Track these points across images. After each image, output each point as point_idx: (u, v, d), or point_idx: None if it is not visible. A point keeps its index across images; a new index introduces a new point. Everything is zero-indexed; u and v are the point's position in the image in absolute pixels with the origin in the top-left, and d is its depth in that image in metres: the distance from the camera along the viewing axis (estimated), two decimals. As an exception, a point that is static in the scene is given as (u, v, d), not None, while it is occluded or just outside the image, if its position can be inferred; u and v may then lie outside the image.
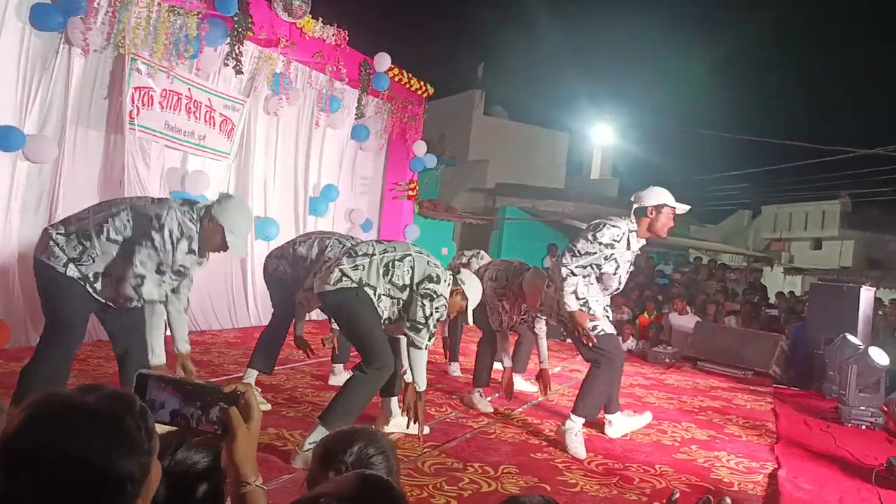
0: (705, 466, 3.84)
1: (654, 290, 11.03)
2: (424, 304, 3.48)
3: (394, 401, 3.89)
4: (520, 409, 4.72)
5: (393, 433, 3.78)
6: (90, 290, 3.01)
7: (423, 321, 3.48)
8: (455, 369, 5.86)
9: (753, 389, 6.55)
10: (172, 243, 3.01)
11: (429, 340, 3.56)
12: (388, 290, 3.49)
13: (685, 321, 8.75)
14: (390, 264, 3.50)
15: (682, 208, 3.96)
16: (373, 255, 3.52)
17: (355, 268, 3.46)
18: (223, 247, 3.15)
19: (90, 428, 0.90)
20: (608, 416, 4.29)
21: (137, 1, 5.47)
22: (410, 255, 3.57)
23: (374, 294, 3.46)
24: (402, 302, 3.54)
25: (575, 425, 3.89)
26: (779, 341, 7.40)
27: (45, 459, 0.86)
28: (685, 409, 5.35)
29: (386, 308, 3.52)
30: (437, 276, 3.54)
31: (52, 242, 3.00)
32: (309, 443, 3.19)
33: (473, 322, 4.31)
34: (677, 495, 1.40)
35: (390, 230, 9.46)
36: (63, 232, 3.03)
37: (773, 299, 11.35)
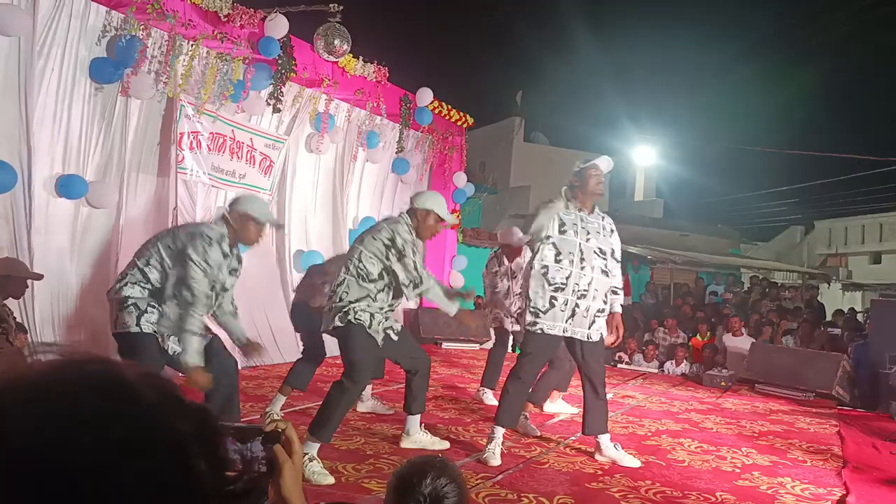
0: (769, 494, 3.71)
1: (706, 311, 10.80)
2: (404, 261, 3.73)
3: (415, 419, 4.11)
4: (572, 438, 4.65)
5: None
6: None
7: (414, 273, 3.74)
8: (489, 397, 5.64)
9: (816, 412, 6.31)
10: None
11: (427, 281, 3.78)
12: (371, 289, 3.74)
13: (740, 342, 8.51)
14: (360, 270, 3.75)
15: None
16: (345, 278, 3.77)
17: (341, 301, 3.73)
18: (258, 236, 3.50)
19: None
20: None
21: (188, 50, 5.72)
22: (361, 248, 3.80)
23: (367, 307, 3.71)
24: (391, 285, 3.78)
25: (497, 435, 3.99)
26: (840, 361, 7.12)
27: None
28: (745, 434, 5.19)
29: (383, 300, 3.78)
30: (391, 235, 3.76)
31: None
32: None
33: None
34: None
35: (434, 260, 9.49)
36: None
37: (830, 317, 10.97)
